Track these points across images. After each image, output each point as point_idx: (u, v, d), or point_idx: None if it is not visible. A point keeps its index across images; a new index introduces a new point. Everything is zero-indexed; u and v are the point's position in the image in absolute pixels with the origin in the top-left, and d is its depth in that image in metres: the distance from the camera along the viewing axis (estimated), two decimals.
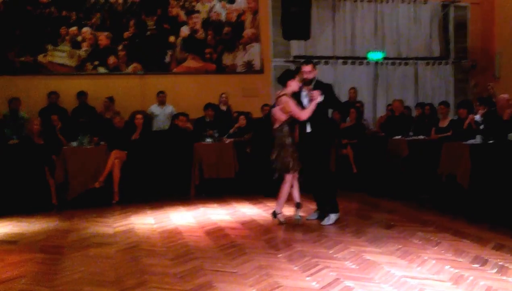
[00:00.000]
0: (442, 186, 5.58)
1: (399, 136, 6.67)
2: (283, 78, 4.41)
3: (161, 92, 7.30)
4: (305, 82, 4.42)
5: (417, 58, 8.87)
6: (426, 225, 4.22)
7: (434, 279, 2.86)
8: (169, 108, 7.25)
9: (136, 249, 3.73)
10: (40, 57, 7.28)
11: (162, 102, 7.29)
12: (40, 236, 4.26)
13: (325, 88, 4.41)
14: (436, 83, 8.97)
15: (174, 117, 6.76)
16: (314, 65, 4.55)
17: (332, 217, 4.41)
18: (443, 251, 3.41)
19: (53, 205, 5.68)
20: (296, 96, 4.43)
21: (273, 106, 4.55)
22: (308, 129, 4.42)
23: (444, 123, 6.54)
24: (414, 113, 7.76)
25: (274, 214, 4.45)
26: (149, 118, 7.07)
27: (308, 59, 4.89)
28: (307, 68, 4.45)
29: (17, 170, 5.59)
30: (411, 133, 6.70)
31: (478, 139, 5.37)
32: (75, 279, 3.05)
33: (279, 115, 4.32)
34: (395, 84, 8.79)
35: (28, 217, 5.06)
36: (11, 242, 4.08)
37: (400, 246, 3.56)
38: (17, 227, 4.68)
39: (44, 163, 5.72)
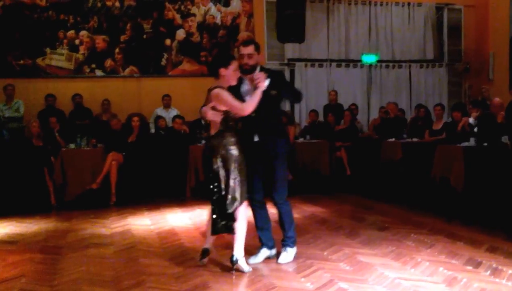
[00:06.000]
0: (436, 189, 5.64)
1: (393, 139, 6.74)
2: (213, 66, 3.21)
3: (167, 95, 7.38)
4: (245, 70, 3.16)
5: (411, 61, 8.95)
6: (420, 227, 4.27)
7: (427, 281, 2.90)
8: (173, 111, 7.30)
9: (133, 249, 3.77)
10: (39, 60, 7.33)
11: (167, 106, 7.37)
12: (40, 237, 4.29)
13: (275, 76, 3.18)
14: (430, 86, 9.05)
15: (158, 118, 6.81)
16: (258, 47, 3.25)
17: (290, 251, 3.34)
18: (436, 253, 3.45)
19: (52, 206, 5.72)
20: (235, 91, 3.16)
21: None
22: (256, 138, 3.19)
23: (438, 126, 6.60)
24: (408, 115, 7.85)
25: (232, 260, 3.10)
26: (144, 121, 7.11)
27: (249, 40, 3.59)
28: (246, 49, 3.17)
29: (16, 171, 5.64)
30: (404, 135, 6.77)
31: (471, 142, 5.44)
32: (74, 279, 3.08)
33: (213, 116, 3.10)
34: (389, 87, 8.86)
35: (27, 218, 5.09)
36: (11, 242, 4.12)
37: (394, 248, 3.60)
38: (17, 227, 4.72)
39: (43, 165, 5.77)
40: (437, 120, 6.76)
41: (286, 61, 8.43)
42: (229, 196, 3.03)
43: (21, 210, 5.36)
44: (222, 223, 3.08)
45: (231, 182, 3.03)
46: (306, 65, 8.49)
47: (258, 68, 3.21)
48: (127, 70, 7.72)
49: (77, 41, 7.49)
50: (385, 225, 4.40)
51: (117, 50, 7.64)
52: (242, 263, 3.12)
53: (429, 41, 9.01)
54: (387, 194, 6.05)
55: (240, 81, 3.22)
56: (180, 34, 7.93)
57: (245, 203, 3.12)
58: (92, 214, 5.22)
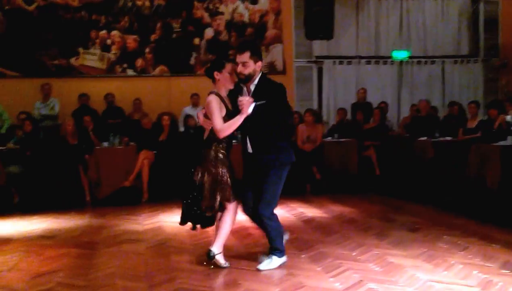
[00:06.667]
0: (469, 189, 5.47)
1: (425, 138, 6.57)
2: (209, 69, 3.12)
3: (195, 94, 7.46)
4: (241, 80, 3.05)
5: (444, 57, 8.66)
6: (452, 229, 4.16)
7: (461, 284, 2.83)
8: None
9: (165, 246, 3.87)
10: (73, 60, 7.59)
11: (195, 104, 7.48)
12: (75, 232, 4.48)
13: (271, 91, 3.01)
14: (464, 83, 8.73)
15: (187, 117, 6.91)
16: (256, 54, 3.02)
17: (275, 260, 3.18)
18: (470, 256, 3.36)
19: (87, 203, 5.95)
20: (234, 97, 3.07)
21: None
22: (250, 149, 3.09)
23: (472, 124, 6.41)
24: (441, 113, 7.63)
25: (210, 255, 3.16)
26: (175, 119, 7.24)
27: (244, 45, 3.13)
28: (240, 57, 2.99)
29: (53, 169, 5.91)
30: (437, 134, 6.60)
31: (509, 141, 5.24)
32: (108, 273, 3.19)
33: (204, 123, 3.11)
34: (421, 84, 8.62)
35: (64, 214, 5.31)
36: (49, 237, 4.31)
37: (425, 250, 3.53)
38: (54, 223, 4.93)
39: (78, 162, 6.01)
40: (471, 118, 6.57)
41: (314, 59, 8.37)
42: (211, 193, 3.07)
43: (58, 206, 5.61)
44: (198, 212, 3.13)
45: (220, 180, 3.06)
46: (334, 63, 8.39)
47: (257, 78, 3.03)
48: (157, 70, 7.88)
49: (108, 41, 7.71)
50: (416, 226, 4.30)
51: (147, 49, 7.82)
52: (219, 258, 3.18)
53: (463, 35, 8.71)
54: (418, 195, 5.89)
55: (240, 88, 3.09)
56: (209, 33, 8.02)
57: (234, 203, 3.15)
58: (125, 211, 5.38)
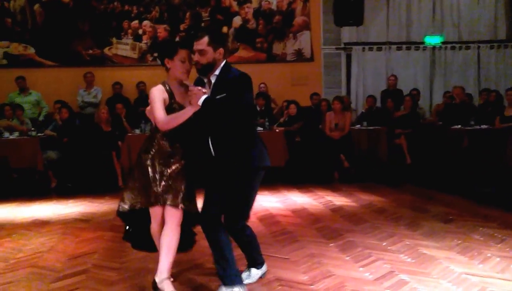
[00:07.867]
0: (507, 179, 5.26)
1: (459, 126, 6.36)
2: (159, 57, 2.70)
3: None
4: (199, 71, 2.56)
5: (480, 42, 8.28)
6: (488, 221, 4.02)
7: (498, 278, 2.74)
8: None
9: (196, 231, 3.94)
10: (106, 50, 7.78)
11: None
12: (109, 216, 4.59)
13: (228, 83, 2.50)
14: (501, 69, 8.34)
15: None
16: (216, 40, 2.51)
17: (253, 273, 2.84)
18: (508, 249, 3.25)
19: (120, 187, 6.10)
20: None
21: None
22: (212, 152, 2.58)
23: (510, 112, 6.15)
24: (476, 101, 7.34)
25: (153, 285, 2.69)
26: None
27: (203, 31, 2.74)
28: (196, 44, 2.51)
29: (88, 155, 6.12)
30: (472, 122, 6.36)
31: None
32: (141, 257, 3.27)
33: (149, 113, 2.68)
34: (454, 70, 8.30)
35: (98, 198, 5.50)
36: (85, 220, 4.49)
37: (459, 241, 3.43)
38: (89, 207, 5.12)
39: (111, 149, 6.19)
40: (509, 106, 6.29)
41: (342, 46, 8.20)
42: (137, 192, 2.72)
43: (93, 191, 5.82)
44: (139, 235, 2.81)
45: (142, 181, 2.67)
46: (363, 49, 8.20)
47: (218, 68, 2.53)
48: None
49: (140, 31, 7.85)
50: (450, 217, 4.18)
51: (177, 38, 7.90)
52: (165, 285, 2.57)
53: (500, 19, 8.27)
54: (452, 185, 5.72)
55: (202, 83, 2.60)
56: (237, 21, 8.00)
57: (175, 211, 2.68)
58: None
